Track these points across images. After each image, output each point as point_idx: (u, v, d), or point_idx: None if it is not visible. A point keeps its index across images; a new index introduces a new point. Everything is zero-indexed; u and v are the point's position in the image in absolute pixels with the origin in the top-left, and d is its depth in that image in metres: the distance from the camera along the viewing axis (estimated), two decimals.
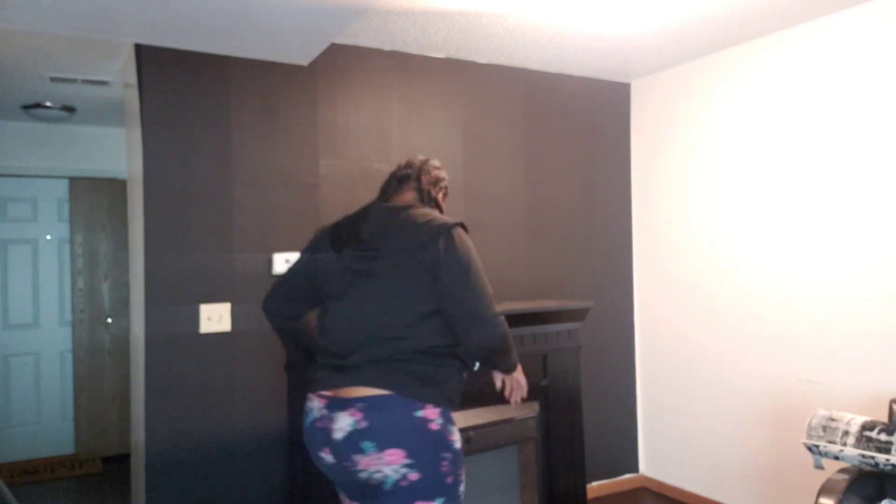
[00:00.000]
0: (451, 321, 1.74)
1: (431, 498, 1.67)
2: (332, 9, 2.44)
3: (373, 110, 3.30)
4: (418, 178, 1.98)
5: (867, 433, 2.19)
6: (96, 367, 4.81)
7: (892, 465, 2.12)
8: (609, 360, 4.00)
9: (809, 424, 2.34)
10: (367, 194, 3.22)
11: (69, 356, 4.83)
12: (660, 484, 3.95)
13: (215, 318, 2.90)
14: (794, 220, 3.20)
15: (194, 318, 2.87)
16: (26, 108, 4.09)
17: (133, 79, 2.94)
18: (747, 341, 3.41)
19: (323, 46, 2.89)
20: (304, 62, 3.08)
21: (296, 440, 2.90)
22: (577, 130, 3.92)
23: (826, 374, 3.05)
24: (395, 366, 1.70)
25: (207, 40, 2.77)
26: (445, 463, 1.69)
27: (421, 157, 2.06)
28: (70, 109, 4.18)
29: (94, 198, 4.84)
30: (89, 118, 4.49)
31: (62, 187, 4.84)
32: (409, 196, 1.96)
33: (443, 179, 2.05)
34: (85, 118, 4.48)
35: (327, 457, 1.72)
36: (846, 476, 2.28)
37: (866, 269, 2.92)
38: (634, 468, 4.08)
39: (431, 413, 1.69)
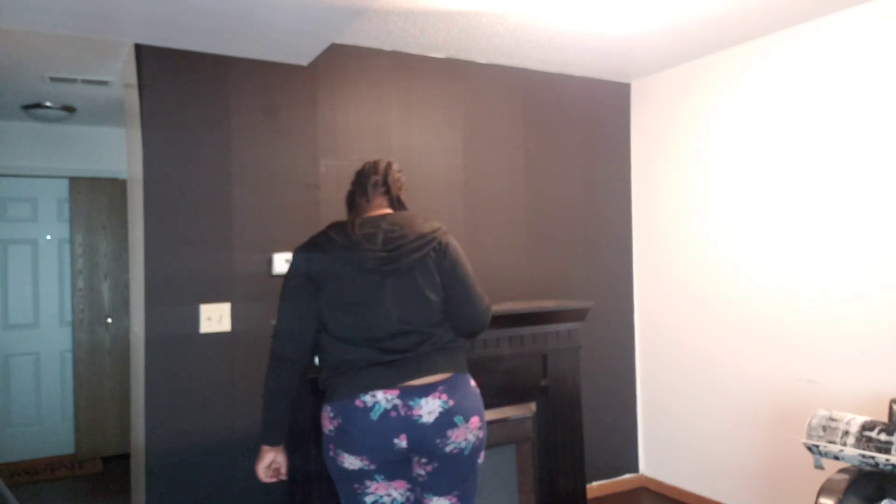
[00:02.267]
0: (451, 307, 1.99)
1: (484, 447, 2.02)
2: (331, 9, 2.44)
3: (372, 110, 3.30)
4: (386, 184, 2.11)
5: (867, 433, 2.19)
6: (96, 367, 4.81)
7: (892, 465, 2.12)
8: (609, 360, 4.00)
9: (809, 424, 2.34)
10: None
11: (69, 356, 4.83)
12: (660, 484, 3.95)
13: (215, 318, 2.90)
14: (794, 220, 3.20)
15: (194, 318, 2.87)
16: (26, 108, 4.09)
17: (133, 79, 2.94)
18: (747, 341, 3.41)
19: (323, 46, 2.89)
20: (304, 62, 3.08)
21: (295, 439, 2.90)
22: (577, 130, 3.92)
23: (826, 374, 3.05)
24: (450, 349, 1.98)
25: (207, 40, 2.77)
26: (484, 416, 2.04)
27: (382, 162, 2.15)
28: (70, 109, 4.18)
29: (94, 198, 4.84)
30: (89, 118, 4.49)
31: (62, 187, 4.84)
32: (380, 202, 2.10)
33: (404, 183, 2.19)
34: (85, 118, 4.48)
35: (401, 443, 1.86)
36: (846, 476, 2.28)
37: (866, 269, 2.92)
38: (634, 468, 4.08)
39: (472, 380, 2.03)
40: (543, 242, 3.79)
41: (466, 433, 1.91)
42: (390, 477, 1.93)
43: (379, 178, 2.10)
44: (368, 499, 1.93)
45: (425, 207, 3.42)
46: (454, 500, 1.97)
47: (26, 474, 4.49)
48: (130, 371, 3.40)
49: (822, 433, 2.29)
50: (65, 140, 4.69)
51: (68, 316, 4.84)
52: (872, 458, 2.16)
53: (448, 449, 1.90)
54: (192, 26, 2.58)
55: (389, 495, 1.95)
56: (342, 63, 3.22)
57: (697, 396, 3.70)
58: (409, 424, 1.85)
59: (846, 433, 2.23)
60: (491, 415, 3.01)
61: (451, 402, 1.89)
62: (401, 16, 2.89)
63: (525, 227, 3.72)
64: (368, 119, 3.29)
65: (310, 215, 3.12)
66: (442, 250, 1.97)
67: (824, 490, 2.24)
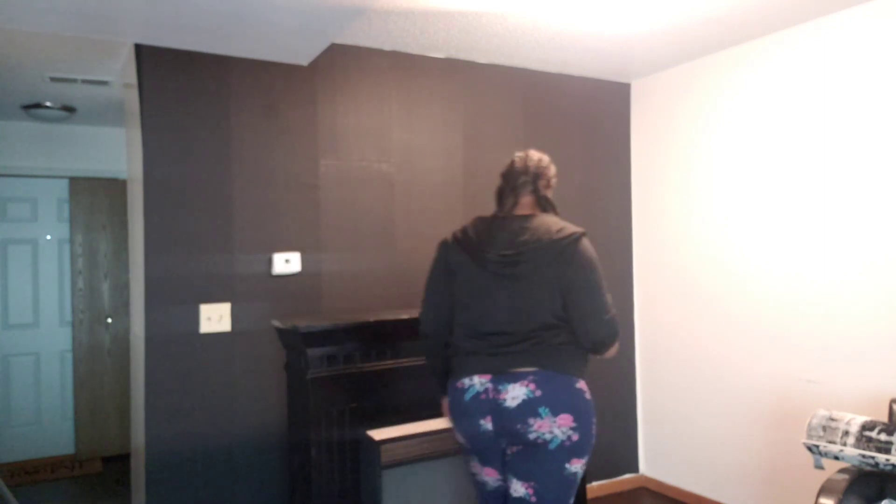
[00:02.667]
0: (574, 316, 2.01)
1: (582, 456, 2.02)
2: (332, 9, 2.44)
3: (373, 110, 3.30)
4: (534, 183, 2.18)
5: (867, 433, 2.19)
6: (96, 367, 4.81)
7: (892, 465, 2.12)
8: (609, 361, 3.98)
9: (809, 424, 2.34)
10: (367, 194, 3.26)
11: (69, 356, 4.83)
12: (660, 484, 3.95)
13: (215, 318, 2.90)
14: (795, 220, 3.20)
15: (194, 318, 2.87)
16: (26, 108, 4.09)
17: (133, 79, 2.94)
18: (747, 341, 3.41)
19: (323, 46, 2.89)
20: (304, 62, 3.08)
21: (296, 439, 2.90)
22: (577, 130, 3.92)
23: (826, 374, 3.05)
24: (555, 349, 2.01)
25: (207, 40, 2.77)
26: (594, 427, 2.04)
27: (533, 158, 2.21)
28: (70, 109, 4.18)
29: (94, 198, 4.84)
30: (89, 118, 4.49)
31: (62, 187, 4.84)
32: (527, 201, 2.18)
33: (554, 177, 2.27)
34: (85, 118, 4.48)
35: (486, 424, 2.00)
36: (846, 476, 2.28)
37: (866, 269, 2.92)
38: (634, 468, 4.08)
39: (583, 385, 2.05)
40: None
41: (552, 426, 1.95)
42: (483, 462, 2.11)
43: (528, 178, 2.17)
44: (472, 469, 2.17)
45: (426, 207, 3.43)
46: (530, 490, 2.00)
47: (26, 474, 4.49)
48: (130, 371, 3.40)
49: (822, 433, 2.29)
50: (65, 140, 4.69)
51: (68, 316, 4.84)
52: (872, 458, 2.16)
53: (531, 437, 1.96)
54: (192, 26, 2.58)
55: (484, 478, 2.14)
56: (342, 63, 3.22)
57: (697, 396, 3.70)
58: (495, 407, 1.99)
59: (846, 433, 2.23)
60: None
61: (538, 393, 1.95)
62: (401, 16, 2.89)
63: None
64: (368, 119, 3.29)
65: (310, 215, 3.12)
66: (567, 258, 2.01)
67: (824, 490, 2.24)
